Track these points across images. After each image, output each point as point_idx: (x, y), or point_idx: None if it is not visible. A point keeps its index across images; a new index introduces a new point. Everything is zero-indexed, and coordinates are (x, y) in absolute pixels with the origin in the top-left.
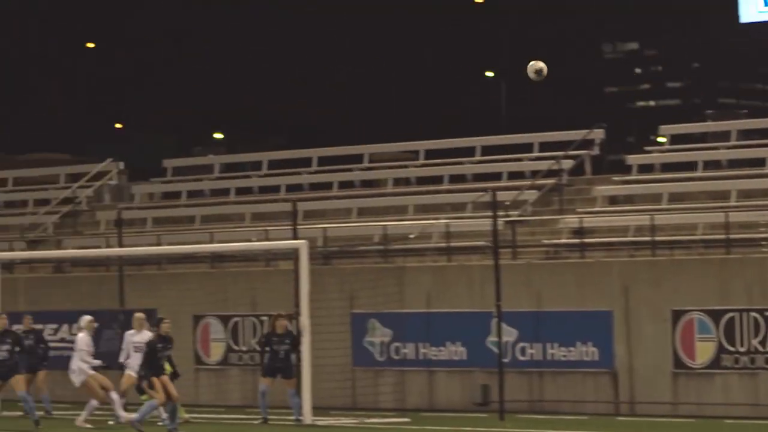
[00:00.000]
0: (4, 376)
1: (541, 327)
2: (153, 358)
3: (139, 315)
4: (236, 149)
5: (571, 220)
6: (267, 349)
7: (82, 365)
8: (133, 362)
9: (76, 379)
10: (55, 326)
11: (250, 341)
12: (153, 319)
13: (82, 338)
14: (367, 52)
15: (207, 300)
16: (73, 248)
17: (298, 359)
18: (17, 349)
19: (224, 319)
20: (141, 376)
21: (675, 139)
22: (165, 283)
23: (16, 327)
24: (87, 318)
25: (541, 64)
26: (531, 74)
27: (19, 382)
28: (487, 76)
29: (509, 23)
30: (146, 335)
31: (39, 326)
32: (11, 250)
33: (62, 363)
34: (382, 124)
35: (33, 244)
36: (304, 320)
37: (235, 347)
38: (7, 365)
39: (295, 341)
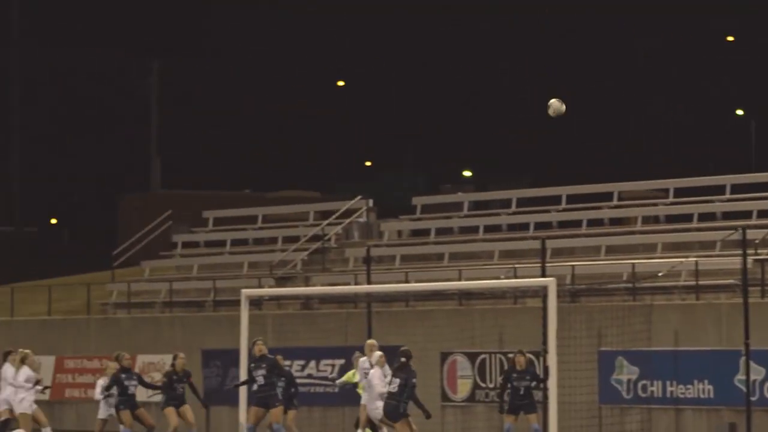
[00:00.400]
0: (264, 403)
1: None
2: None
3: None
4: (485, 187)
5: None
6: (509, 386)
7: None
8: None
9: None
10: (302, 362)
11: (497, 378)
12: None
13: (376, 373)
14: (616, 93)
15: (454, 337)
16: (322, 285)
17: (544, 396)
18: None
19: (471, 356)
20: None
21: None
22: (412, 320)
23: None
24: (378, 354)
25: (557, 105)
26: (550, 113)
27: (277, 413)
28: (738, 114)
29: (760, 61)
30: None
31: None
32: (260, 286)
33: (308, 399)
34: (632, 162)
35: (282, 281)
36: (552, 358)
37: (482, 384)
38: (264, 391)
39: (535, 377)
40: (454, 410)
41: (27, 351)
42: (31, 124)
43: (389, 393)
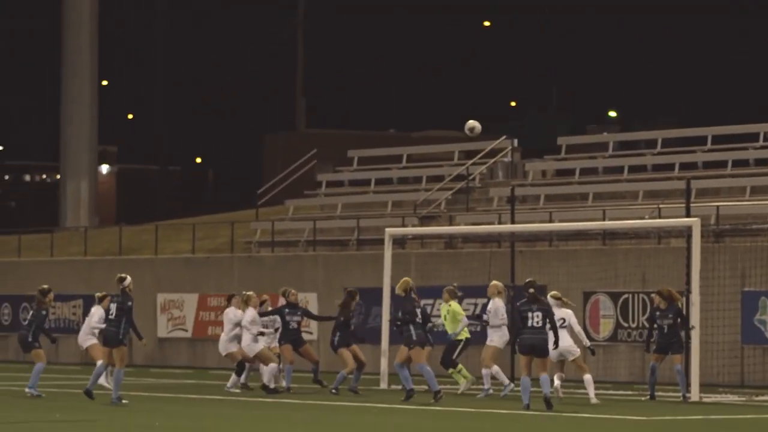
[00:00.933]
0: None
1: None
2: None
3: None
4: (630, 127)
5: None
6: (654, 325)
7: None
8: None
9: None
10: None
11: (640, 318)
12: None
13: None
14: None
15: (597, 277)
16: (465, 224)
17: (687, 336)
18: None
19: (614, 296)
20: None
21: None
22: (555, 259)
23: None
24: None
25: (473, 124)
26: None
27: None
28: None
29: None
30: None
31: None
32: (404, 225)
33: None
34: None
35: (425, 220)
36: (695, 298)
37: (624, 324)
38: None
39: (678, 314)
40: (597, 349)
41: (250, 293)
42: (176, 64)
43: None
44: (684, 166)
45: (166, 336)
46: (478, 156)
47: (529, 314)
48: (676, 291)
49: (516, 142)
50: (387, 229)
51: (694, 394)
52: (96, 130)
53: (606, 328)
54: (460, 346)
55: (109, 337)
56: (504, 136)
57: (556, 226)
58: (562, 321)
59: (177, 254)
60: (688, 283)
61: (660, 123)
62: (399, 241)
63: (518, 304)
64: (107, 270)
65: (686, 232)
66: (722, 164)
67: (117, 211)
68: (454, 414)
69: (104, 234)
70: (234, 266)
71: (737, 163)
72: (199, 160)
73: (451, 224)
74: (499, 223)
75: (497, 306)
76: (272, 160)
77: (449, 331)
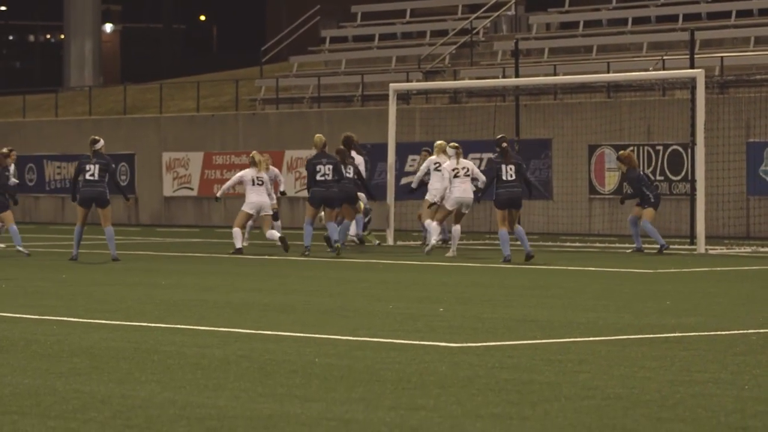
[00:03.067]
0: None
1: None
2: None
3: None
4: None
5: None
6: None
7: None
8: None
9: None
10: None
11: (645, 170)
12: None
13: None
14: None
15: (602, 130)
16: (470, 78)
17: (692, 188)
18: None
19: (619, 149)
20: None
21: None
22: (560, 113)
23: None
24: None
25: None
26: None
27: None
28: None
29: None
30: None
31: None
32: (408, 80)
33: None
34: None
35: (430, 75)
36: (700, 149)
37: None
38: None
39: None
40: (602, 202)
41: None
42: None
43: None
44: (687, 17)
45: (171, 195)
46: (482, 10)
47: (503, 168)
48: (681, 143)
49: None
50: (391, 85)
51: (700, 247)
52: None
53: (611, 181)
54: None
55: (94, 196)
56: None
57: (561, 79)
58: (465, 170)
59: (182, 113)
60: (693, 134)
61: None
62: (403, 97)
63: (492, 158)
64: (113, 129)
65: (690, 84)
66: (726, 15)
67: (121, 70)
68: (447, 269)
69: (109, 93)
70: (239, 124)
71: (741, 14)
72: (203, 17)
73: (455, 79)
74: (504, 76)
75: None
76: (276, 16)
77: None
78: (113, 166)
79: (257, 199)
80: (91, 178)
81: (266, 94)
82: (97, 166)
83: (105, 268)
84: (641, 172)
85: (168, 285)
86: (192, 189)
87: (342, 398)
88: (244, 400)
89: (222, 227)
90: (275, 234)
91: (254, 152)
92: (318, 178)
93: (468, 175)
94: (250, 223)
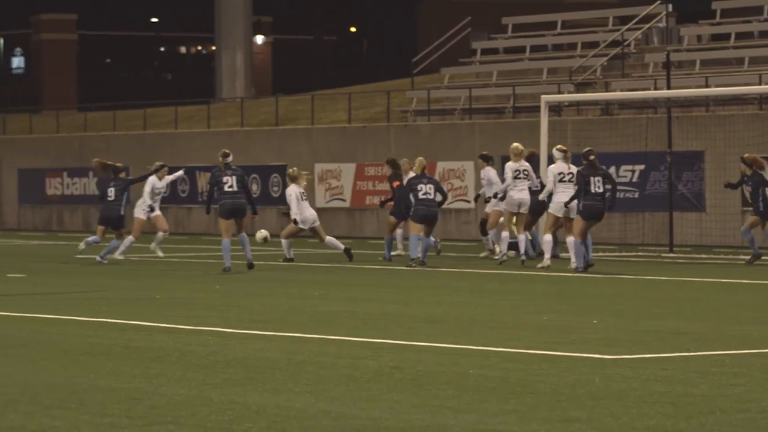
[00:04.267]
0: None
1: None
2: None
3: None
4: None
5: None
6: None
7: None
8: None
9: None
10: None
11: None
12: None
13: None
14: None
15: (755, 141)
16: (621, 90)
17: None
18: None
19: None
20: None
21: None
22: (712, 124)
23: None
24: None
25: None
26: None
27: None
28: None
29: None
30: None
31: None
32: (559, 92)
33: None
34: None
35: (581, 87)
36: None
37: None
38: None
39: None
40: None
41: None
42: None
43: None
44: None
45: (324, 206)
46: (633, 21)
47: (592, 180)
48: None
49: (670, 6)
50: (543, 96)
51: None
52: (250, 1)
53: None
54: None
55: (235, 207)
56: (658, 1)
57: (713, 90)
58: (570, 176)
59: (333, 124)
60: None
61: None
62: (555, 108)
63: (579, 170)
64: (264, 140)
65: None
66: None
67: (273, 82)
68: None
69: (261, 104)
70: (390, 135)
71: None
72: (353, 29)
73: (606, 90)
74: (655, 88)
75: (489, 175)
76: (427, 27)
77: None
78: (246, 177)
79: (308, 213)
80: (230, 189)
81: (417, 106)
82: (234, 178)
83: (255, 277)
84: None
85: (320, 296)
86: (344, 200)
87: (495, 410)
88: (398, 411)
89: (375, 238)
90: (336, 242)
91: (293, 168)
92: (420, 196)
93: (571, 181)
94: (399, 232)
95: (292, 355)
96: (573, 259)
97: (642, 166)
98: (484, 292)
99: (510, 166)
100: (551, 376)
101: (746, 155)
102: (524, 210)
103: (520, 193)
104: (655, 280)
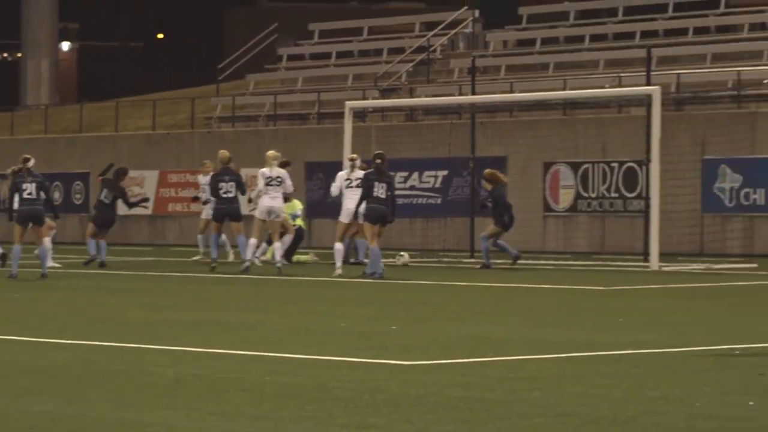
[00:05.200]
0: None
1: None
2: None
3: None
4: None
5: None
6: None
7: None
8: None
9: None
10: (406, 174)
11: (600, 188)
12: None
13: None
14: None
15: (558, 147)
16: (426, 96)
17: (646, 205)
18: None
19: (574, 166)
20: None
21: None
22: (516, 130)
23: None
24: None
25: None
26: None
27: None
28: None
29: None
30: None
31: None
32: (364, 98)
33: (411, 211)
34: None
35: (386, 93)
36: (655, 166)
37: (584, 194)
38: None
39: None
40: (557, 220)
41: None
42: None
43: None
44: (645, 35)
45: (126, 213)
46: (439, 27)
47: (376, 185)
48: (636, 160)
49: (477, 12)
50: (347, 102)
51: (654, 263)
52: (56, 7)
53: (566, 198)
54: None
55: (33, 214)
56: (465, 7)
57: (517, 96)
58: (358, 181)
59: (138, 131)
60: (648, 151)
61: None
62: (359, 114)
63: (366, 173)
64: (68, 148)
65: (647, 101)
66: (683, 32)
67: (78, 89)
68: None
69: (65, 112)
70: (195, 142)
71: (698, 31)
72: (161, 35)
73: (411, 96)
74: (460, 94)
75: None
76: (233, 34)
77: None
78: (47, 183)
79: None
80: (29, 196)
81: (222, 112)
82: (33, 185)
83: (54, 286)
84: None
85: (117, 303)
86: (147, 208)
87: (293, 416)
88: (195, 418)
89: (176, 245)
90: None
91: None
92: (222, 195)
93: (359, 186)
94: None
95: (89, 363)
96: (338, 264)
97: (445, 172)
98: (290, 299)
99: (263, 173)
100: (350, 382)
101: (486, 171)
102: (274, 217)
103: (272, 201)
104: (456, 285)
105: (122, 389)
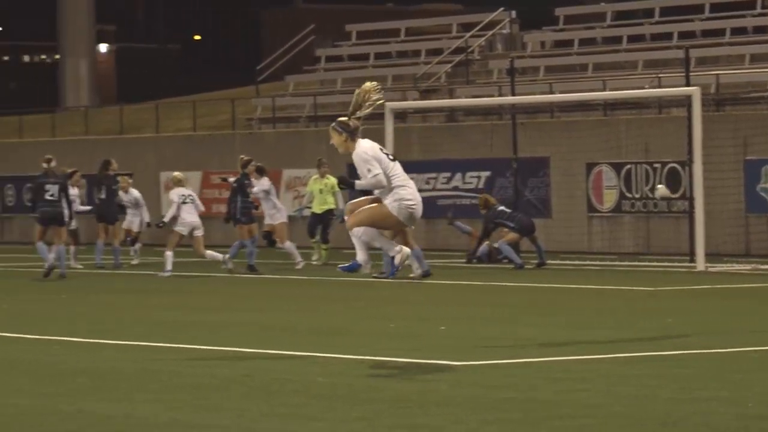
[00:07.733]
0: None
1: None
2: None
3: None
4: None
5: None
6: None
7: None
8: None
9: None
10: (448, 175)
11: (643, 188)
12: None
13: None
14: None
15: (599, 147)
16: (466, 97)
17: (690, 206)
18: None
19: (617, 167)
20: None
21: None
22: (558, 131)
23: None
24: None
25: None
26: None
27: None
28: None
29: None
30: None
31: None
32: (404, 99)
33: (454, 212)
34: None
35: (426, 94)
36: (697, 167)
37: (628, 195)
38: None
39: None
40: (601, 220)
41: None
42: None
43: None
44: (682, 35)
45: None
46: (476, 28)
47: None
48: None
49: (514, 13)
50: (387, 104)
51: (700, 264)
52: (93, 9)
53: (610, 199)
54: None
55: (54, 216)
56: (501, 8)
57: (557, 97)
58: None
59: (179, 132)
60: (690, 152)
61: None
62: (400, 116)
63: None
64: (109, 149)
65: (687, 102)
66: (720, 32)
67: (117, 90)
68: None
69: (105, 113)
70: (236, 143)
71: (735, 31)
72: (198, 37)
73: (451, 97)
74: (500, 95)
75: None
76: (271, 35)
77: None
78: (68, 185)
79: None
80: (51, 198)
81: (263, 114)
82: (56, 187)
83: (100, 287)
84: (499, 207)
85: (166, 305)
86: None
87: (343, 417)
88: (247, 420)
89: (222, 246)
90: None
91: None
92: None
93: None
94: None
95: (138, 364)
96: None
97: (488, 173)
98: (331, 300)
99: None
100: (398, 383)
101: (479, 197)
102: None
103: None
104: (503, 286)
105: (173, 390)
